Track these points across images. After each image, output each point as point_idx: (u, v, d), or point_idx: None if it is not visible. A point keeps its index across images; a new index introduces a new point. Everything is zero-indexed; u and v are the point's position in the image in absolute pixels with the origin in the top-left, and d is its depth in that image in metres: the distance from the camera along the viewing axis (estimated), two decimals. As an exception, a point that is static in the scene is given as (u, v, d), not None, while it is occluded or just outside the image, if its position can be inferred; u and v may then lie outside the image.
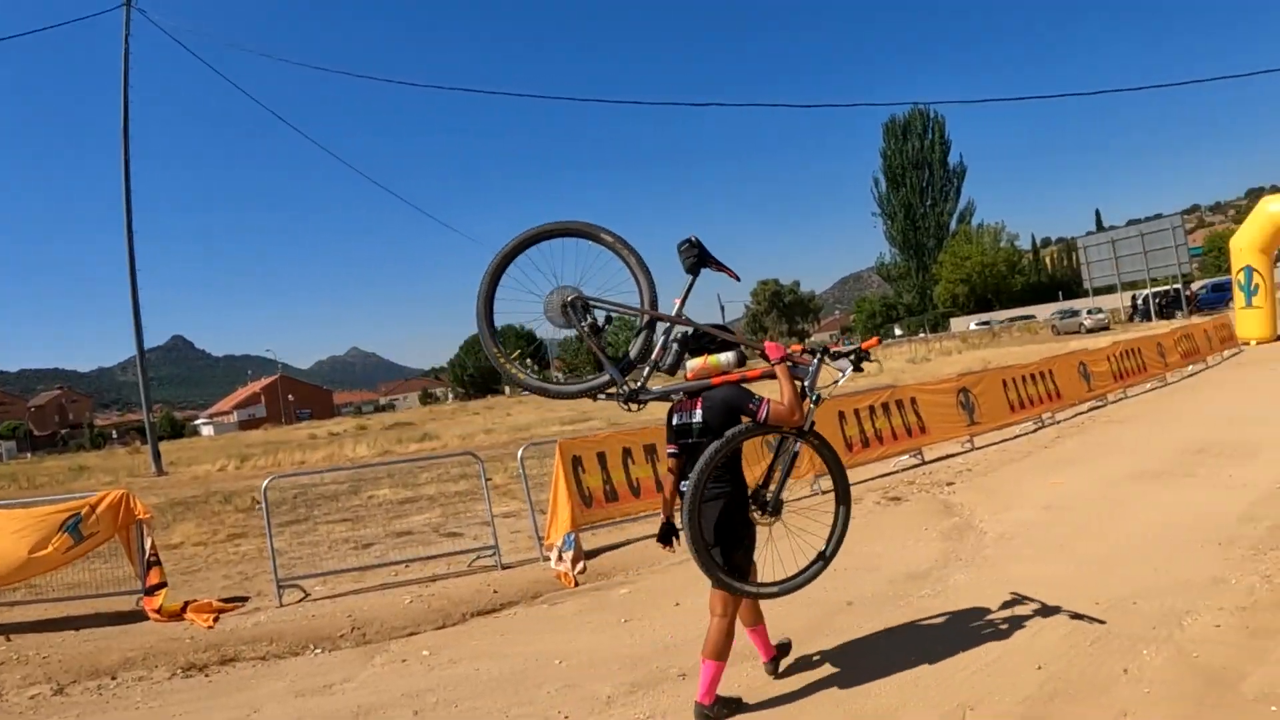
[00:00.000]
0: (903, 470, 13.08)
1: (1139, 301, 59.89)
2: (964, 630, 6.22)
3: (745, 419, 5.02)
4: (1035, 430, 15.82)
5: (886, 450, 13.28)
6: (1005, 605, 6.61)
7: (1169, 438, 13.15)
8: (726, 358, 5.24)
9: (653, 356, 5.24)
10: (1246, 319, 29.20)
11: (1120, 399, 19.00)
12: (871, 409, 13.30)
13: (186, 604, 8.87)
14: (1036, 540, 8.40)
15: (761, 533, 5.32)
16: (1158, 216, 62.77)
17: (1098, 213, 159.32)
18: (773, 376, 5.18)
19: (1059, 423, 16.41)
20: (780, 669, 5.80)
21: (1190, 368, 23.15)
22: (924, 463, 13.48)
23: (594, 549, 9.85)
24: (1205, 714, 4.58)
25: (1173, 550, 7.46)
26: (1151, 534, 8.07)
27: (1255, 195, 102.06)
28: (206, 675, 7.21)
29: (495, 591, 8.71)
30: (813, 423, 5.19)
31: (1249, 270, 28.98)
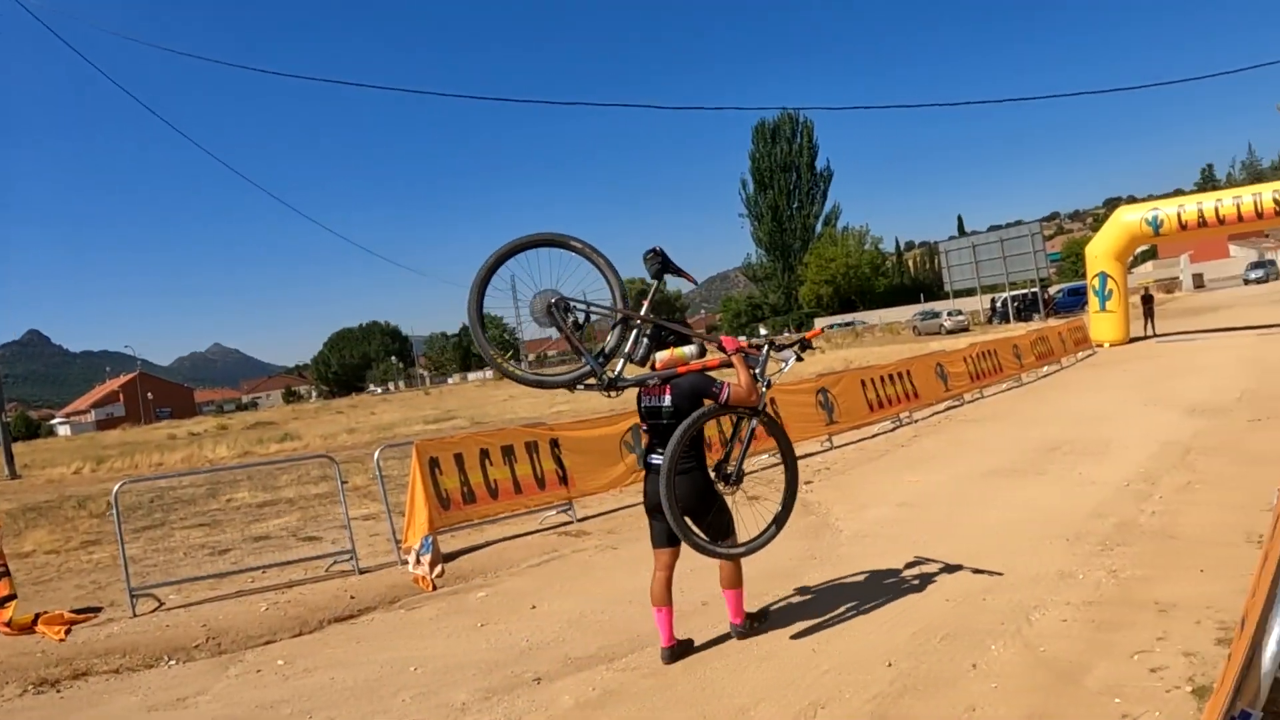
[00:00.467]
0: (762, 469, 13.14)
1: (998, 304, 62.47)
2: (816, 629, 6.26)
3: (709, 401, 5.82)
4: (893, 429, 16.22)
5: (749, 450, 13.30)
6: (858, 603, 6.69)
7: (1023, 437, 13.67)
8: (689, 350, 6.07)
9: (625, 349, 5.91)
10: (1100, 322, 30.75)
11: (977, 399, 19.69)
12: (732, 409, 13.35)
13: (38, 616, 8.39)
14: (891, 538, 8.56)
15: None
16: (1018, 223, 65.62)
17: (960, 218, 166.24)
18: (728, 365, 5.88)
19: (916, 422, 16.87)
20: (749, 635, 6.25)
21: (1045, 369, 24.21)
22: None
23: (452, 552, 9.74)
24: (1051, 707, 4.67)
25: (1023, 546, 7.70)
26: (1003, 530, 8.32)
27: (1113, 205, 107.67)
28: (58, 691, 6.89)
29: (352, 597, 8.55)
30: (764, 404, 6.01)
31: (1104, 276, 30.49)
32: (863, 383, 16.58)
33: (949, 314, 60.90)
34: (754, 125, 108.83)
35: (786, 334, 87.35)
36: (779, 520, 6.18)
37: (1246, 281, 71.51)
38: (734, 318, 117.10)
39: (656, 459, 5.80)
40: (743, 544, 6.00)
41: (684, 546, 5.81)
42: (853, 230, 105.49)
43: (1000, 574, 6.95)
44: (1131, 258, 31.32)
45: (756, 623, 6.37)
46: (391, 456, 10.77)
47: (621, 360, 5.93)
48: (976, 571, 7.10)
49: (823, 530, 9.25)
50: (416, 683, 6.18)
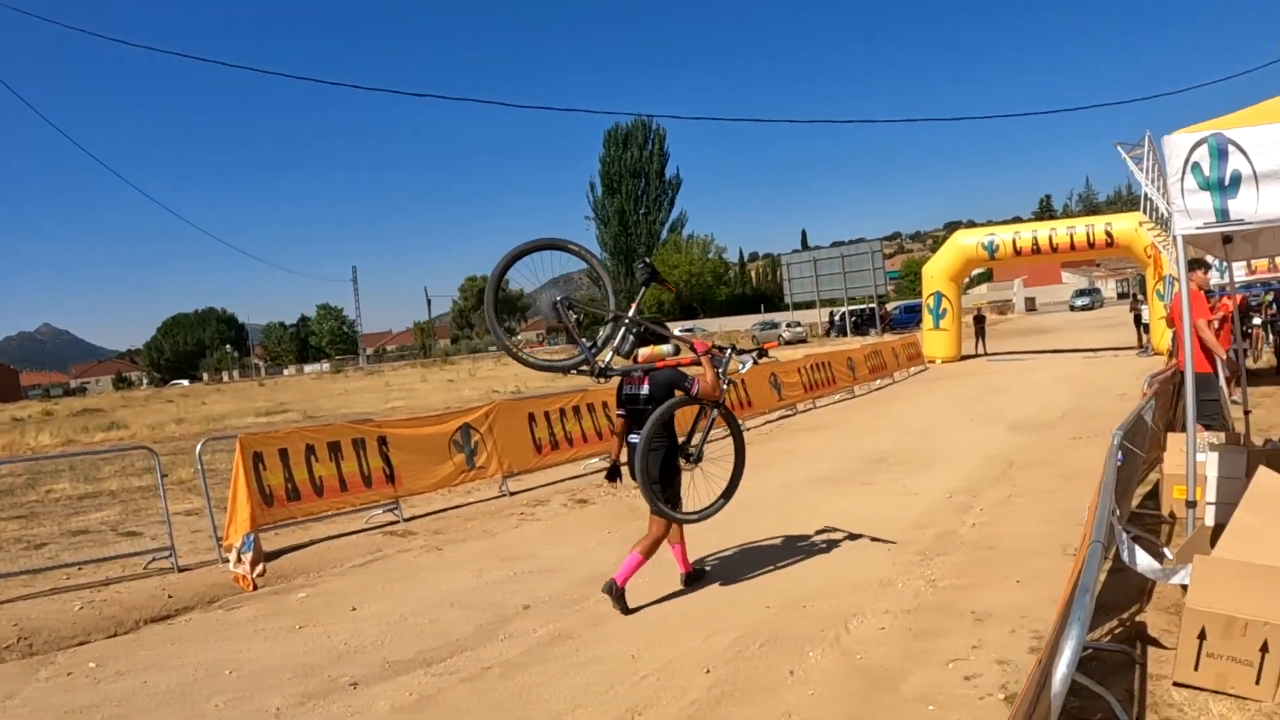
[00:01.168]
0: (593, 473, 13.17)
1: (836, 318, 64.49)
2: (636, 634, 6.24)
3: (679, 393, 6.87)
4: (724, 437, 16.33)
5: (576, 452, 13.43)
6: (679, 609, 6.72)
7: (852, 447, 14.09)
8: (667, 348, 7.12)
9: (614, 344, 6.98)
10: (933, 339, 32.22)
11: (809, 409, 20.17)
12: (562, 411, 13.37)
13: None
14: (718, 543, 8.61)
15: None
16: (861, 240, 67.86)
17: (804, 232, 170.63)
18: (697, 364, 6.97)
19: (750, 430, 17.09)
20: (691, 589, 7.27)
21: (878, 382, 25.06)
22: (615, 465, 13.61)
23: (275, 550, 9.50)
24: (866, 713, 4.73)
25: (846, 555, 7.89)
26: (827, 539, 8.51)
27: (953, 227, 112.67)
28: None
29: (170, 596, 8.24)
30: (724, 398, 7.16)
31: (939, 295, 31.94)
32: (703, 389, 16.65)
33: (788, 325, 62.67)
34: (607, 130, 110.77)
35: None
36: (726, 494, 7.36)
37: (1073, 308, 75.91)
38: (574, 321, 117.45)
39: (634, 438, 6.89)
40: (695, 511, 7.10)
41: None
42: (697, 239, 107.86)
43: (821, 581, 7.09)
44: (967, 279, 32.90)
45: (698, 575, 7.50)
46: (219, 450, 10.34)
47: (610, 352, 6.96)
48: (798, 578, 7.24)
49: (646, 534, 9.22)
50: (231, 687, 5.97)
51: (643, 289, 7.84)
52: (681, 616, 6.53)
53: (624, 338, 7.05)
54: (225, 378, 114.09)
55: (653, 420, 6.64)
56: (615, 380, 7.10)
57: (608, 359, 6.93)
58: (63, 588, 8.58)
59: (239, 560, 8.86)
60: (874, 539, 8.31)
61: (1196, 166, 5.49)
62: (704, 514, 7.13)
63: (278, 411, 31.97)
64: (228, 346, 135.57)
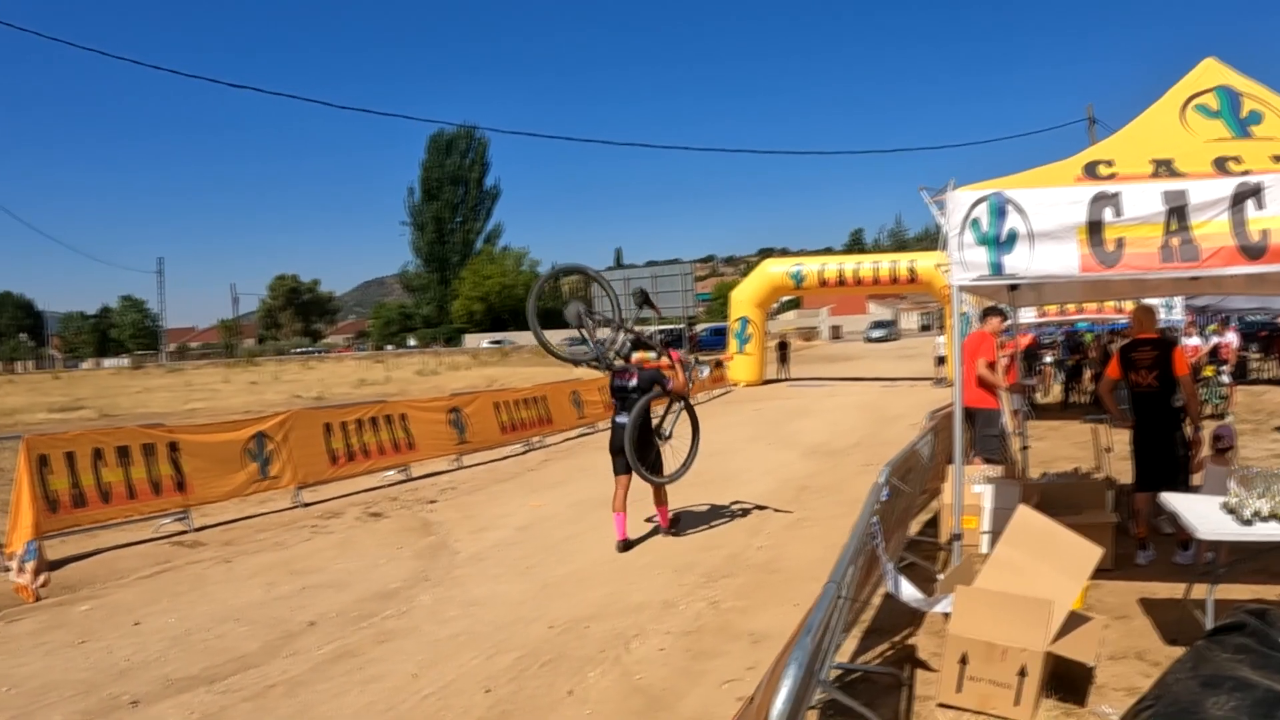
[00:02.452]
0: (389, 485, 13.03)
1: (644, 337, 65.28)
2: (420, 653, 6.19)
3: (658, 387, 9.27)
4: (524, 452, 16.45)
5: (373, 464, 13.19)
6: (466, 628, 6.69)
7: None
8: (651, 354, 10.01)
9: (617, 346, 9.59)
10: (739, 363, 33.04)
11: (609, 428, 20.17)
12: (359, 422, 13.09)
13: None
14: (506, 561, 8.66)
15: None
16: (675, 261, 69.15)
17: (619, 251, 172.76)
18: (671, 366, 9.69)
19: (548, 446, 17.18)
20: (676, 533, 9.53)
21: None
22: (410, 479, 13.54)
23: (60, 559, 9.02)
24: (641, 733, 4.78)
25: (630, 575, 8.00)
26: (615, 558, 8.64)
27: (766, 254, 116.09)
28: None
29: None
30: (689, 393, 10.01)
31: (744, 320, 32.93)
32: (496, 405, 16.73)
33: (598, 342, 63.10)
34: (430, 135, 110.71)
35: (436, 347, 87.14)
36: (686, 464, 9.76)
37: (868, 339, 79.12)
38: (384, 325, 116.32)
39: (621, 419, 9.17)
40: (666, 475, 9.52)
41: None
42: (511, 250, 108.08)
43: (604, 602, 7.17)
44: (776, 305, 34.03)
45: (674, 526, 9.67)
46: (4, 449, 9.68)
47: (613, 352, 9.51)
48: (582, 598, 7.29)
49: (440, 551, 9.23)
50: (8, 705, 5.67)
51: (636, 309, 10.45)
52: (466, 635, 6.49)
53: (623, 343, 9.68)
54: (19, 368, 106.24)
55: (638, 407, 9.04)
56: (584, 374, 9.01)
57: (611, 357, 9.46)
58: None
59: (20, 569, 8.40)
60: (661, 559, 8.48)
61: (975, 222, 5.91)
62: (673, 477, 9.59)
63: (73, 408, 30.11)
64: (23, 335, 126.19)
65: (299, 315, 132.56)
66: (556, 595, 7.43)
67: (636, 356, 9.77)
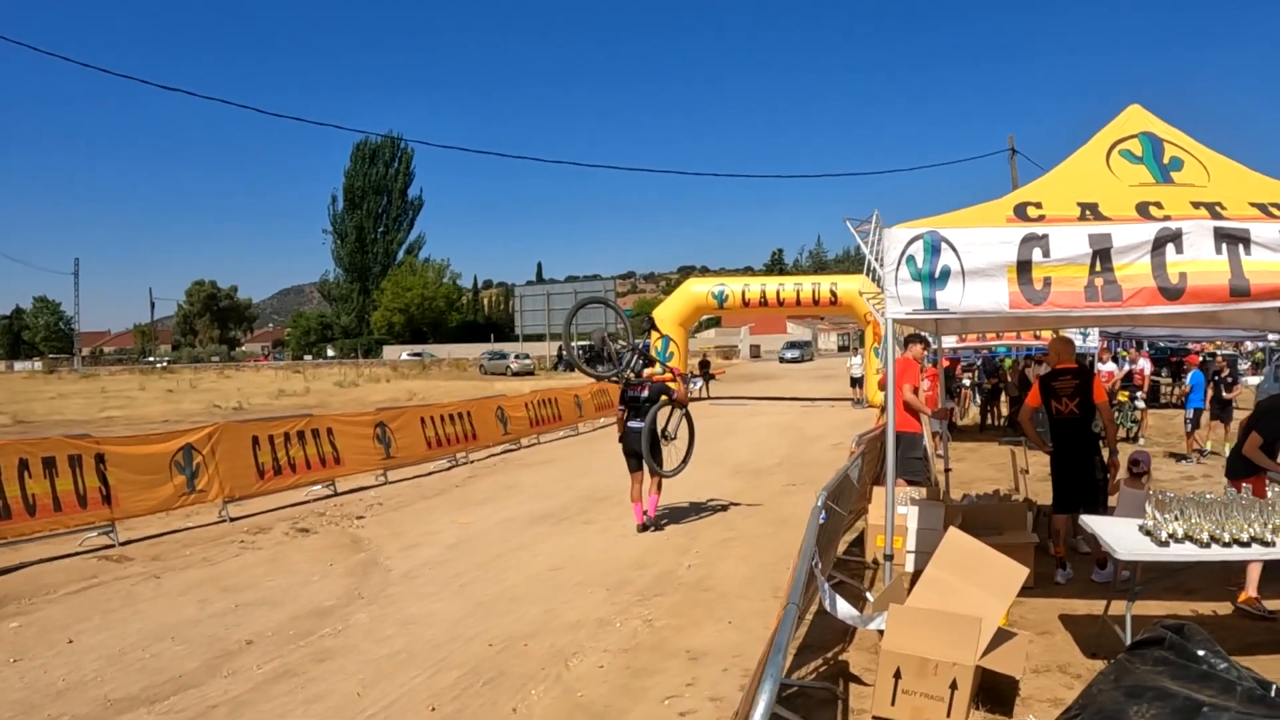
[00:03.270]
0: (315, 500, 12.94)
1: (564, 353, 65.39)
2: (361, 671, 6.21)
3: (665, 397, 11.15)
4: (449, 468, 16.45)
5: (300, 479, 13.11)
6: (405, 646, 6.72)
7: (574, 484, 14.47)
8: (658, 369, 11.70)
9: (630, 363, 11.16)
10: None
11: (534, 444, 20.45)
12: (287, 436, 12.99)
13: None
14: (439, 579, 8.69)
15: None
16: (596, 277, 69.29)
17: (540, 265, 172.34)
18: (674, 379, 11.64)
19: (473, 463, 17.22)
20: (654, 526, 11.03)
21: (603, 420, 25.58)
22: (337, 494, 13.48)
23: None
24: (583, 751, 4.91)
25: (565, 593, 8.11)
26: (547, 576, 8.73)
27: (687, 272, 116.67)
28: None
29: None
30: (688, 403, 11.88)
31: (666, 339, 32.96)
32: (423, 420, 16.70)
33: (516, 356, 63.07)
34: (355, 144, 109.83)
35: (355, 357, 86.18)
36: (685, 459, 11.55)
37: (782, 359, 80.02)
38: (303, 334, 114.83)
39: (635, 424, 10.87)
40: (670, 470, 11.26)
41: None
42: (433, 262, 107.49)
43: (541, 619, 7.28)
44: (696, 324, 34.49)
45: (660, 522, 11.28)
46: None
47: (628, 369, 11.14)
48: (519, 616, 7.39)
49: (371, 568, 9.20)
50: None
51: (645, 335, 12.65)
52: (405, 654, 6.53)
53: (635, 361, 11.22)
54: None
55: (652, 413, 10.82)
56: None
57: (625, 371, 11.12)
58: None
59: None
60: (593, 578, 8.59)
61: (911, 259, 6.19)
62: (676, 471, 11.38)
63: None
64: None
65: (216, 322, 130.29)
66: (492, 613, 7.50)
67: (647, 371, 11.35)
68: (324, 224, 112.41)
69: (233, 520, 11.45)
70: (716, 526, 11.07)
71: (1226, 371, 17.06)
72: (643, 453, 10.67)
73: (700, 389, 36.81)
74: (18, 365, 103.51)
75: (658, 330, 13.27)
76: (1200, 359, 20.26)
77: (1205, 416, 16.54)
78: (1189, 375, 18.21)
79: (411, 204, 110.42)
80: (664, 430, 11.28)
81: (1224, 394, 16.58)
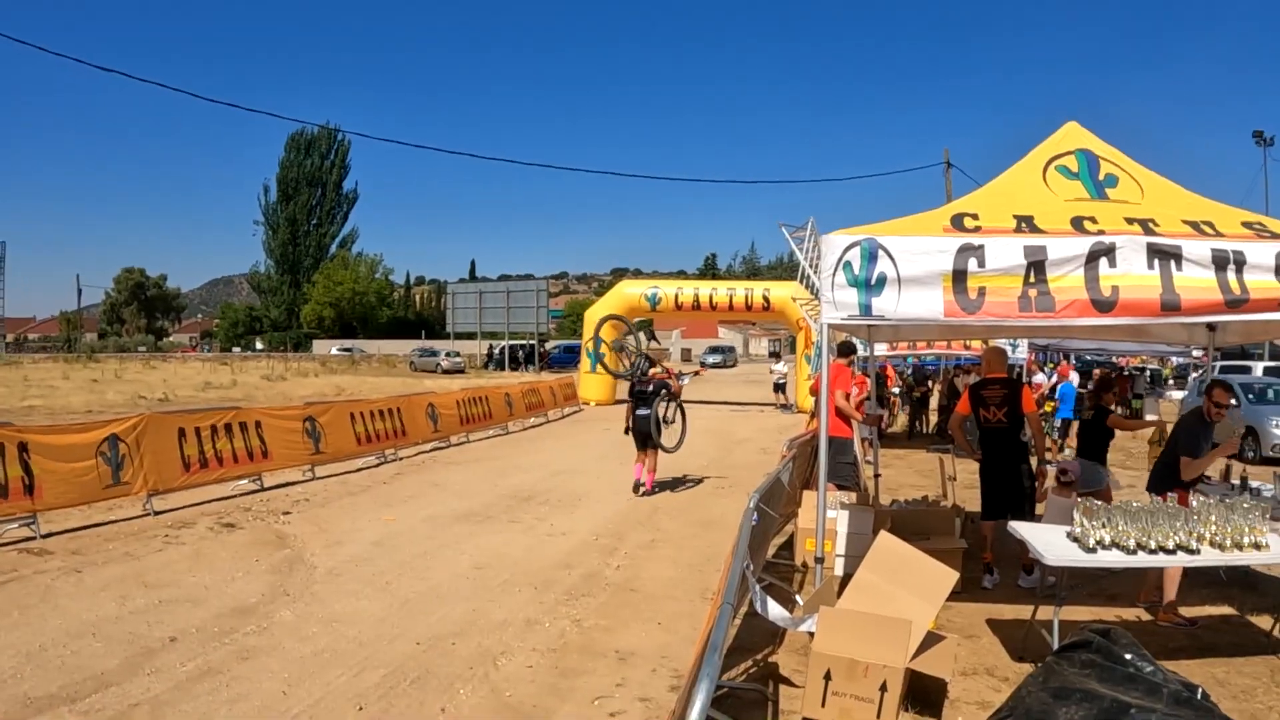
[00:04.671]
0: (241, 495, 12.63)
1: (495, 351, 65.15)
2: (285, 670, 6.09)
3: (665, 391, 13.78)
4: (378, 465, 16.22)
5: (226, 472, 12.77)
6: (329, 644, 6.61)
7: (501, 483, 14.38)
8: (659, 369, 14.20)
9: (639, 366, 14.09)
10: (590, 382, 33.34)
11: (463, 442, 20.27)
12: (214, 429, 12.67)
13: None
14: (364, 577, 8.56)
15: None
16: (529, 277, 69.27)
17: (473, 263, 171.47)
18: (671, 377, 14.26)
19: (401, 460, 17.00)
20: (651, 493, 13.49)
21: (533, 419, 25.53)
22: (263, 489, 13.17)
23: None
24: (511, 751, 4.87)
25: (491, 592, 8.05)
26: (473, 575, 8.66)
27: (619, 274, 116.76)
28: None
29: None
30: (680, 395, 14.56)
31: (599, 340, 32.90)
32: (352, 415, 16.45)
33: (447, 354, 62.45)
34: (291, 134, 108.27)
35: (284, 351, 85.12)
36: (680, 440, 14.38)
37: (703, 365, 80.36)
38: (231, 326, 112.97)
39: (643, 411, 13.40)
40: (671, 446, 14.00)
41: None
42: (366, 257, 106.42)
43: (468, 619, 7.21)
44: (635, 323, 34.83)
45: (653, 490, 13.65)
46: None
47: (637, 370, 14.00)
48: (445, 615, 7.31)
49: (297, 565, 9.01)
50: None
51: (645, 340, 15.72)
52: (330, 652, 6.41)
53: (643, 364, 14.05)
54: None
55: (654, 403, 13.47)
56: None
57: (637, 374, 13.89)
58: None
59: None
60: (520, 578, 8.53)
61: (848, 265, 6.27)
62: (675, 448, 14.19)
63: None
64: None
65: (143, 311, 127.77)
66: (418, 611, 7.41)
67: (654, 371, 13.99)
68: (256, 215, 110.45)
69: (157, 514, 11.12)
70: (643, 528, 11.05)
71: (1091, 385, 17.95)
72: (650, 433, 13.37)
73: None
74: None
75: (654, 338, 17.23)
76: (1071, 370, 20.93)
77: (1074, 426, 17.04)
78: (1059, 387, 18.94)
79: (346, 197, 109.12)
80: (663, 416, 13.77)
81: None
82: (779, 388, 32.71)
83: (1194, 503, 6.13)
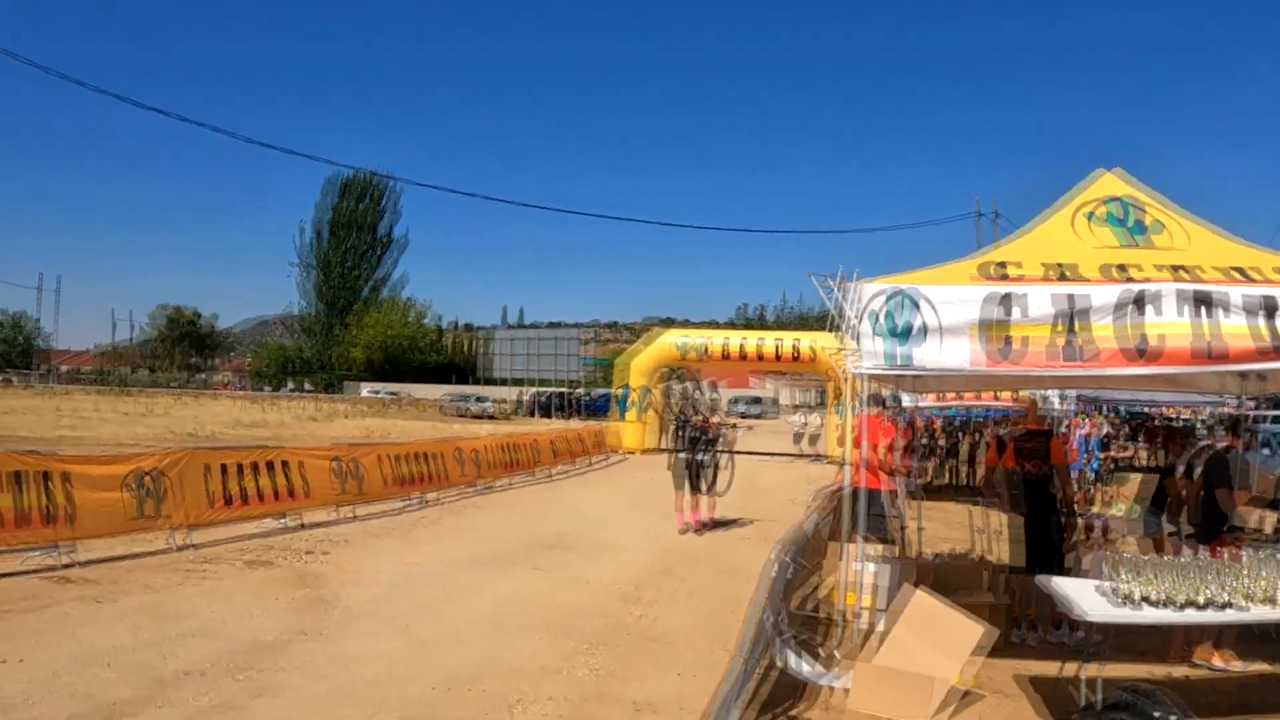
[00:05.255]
0: (272, 534, 12.57)
1: (529, 397, 65.28)
2: (297, 710, 6.00)
3: (718, 437, 14.93)
4: (409, 509, 16.08)
5: (258, 510, 12.71)
6: (344, 684, 6.51)
7: (528, 529, 14.22)
8: (719, 417, 15.56)
9: (687, 410, 15.22)
10: (623, 430, 33.29)
11: (497, 488, 20.11)
12: (241, 466, 12.55)
13: None
14: (383, 617, 8.46)
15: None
16: (562, 324, 69.59)
17: (505, 309, 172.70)
18: (723, 425, 15.50)
19: (430, 504, 16.87)
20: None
21: (567, 466, 25.34)
22: (293, 528, 13.09)
23: None
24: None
25: (509, 638, 7.90)
26: (491, 620, 8.50)
27: (651, 321, 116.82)
28: None
29: None
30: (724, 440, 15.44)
31: (626, 388, 33.24)
32: (390, 458, 16.41)
33: (478, 400, 62.69)
34: (328, 176, 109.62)
35: (321, 392, 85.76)
36: (729, 483, 15.06)
37: (740, 415, 79.12)
38: (268, 365, 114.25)
39: (697, 456, 14.33)
40: (721, 490, 14.79)
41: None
42: (404, 301, 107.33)
43: (485, 664, 7.07)
44: (665, 372, 34.93)
45: (704, 528, 14.47)
46: None
47: (687, 417, 14.81)
48: (462, 659, 7.19)
49: (317, 604, 8.93)
50: None
51: (709, 389, 16.74)
52: (344, 692, 6.30)
53: (703, 410, 14.91)
54: None
55: (706, 446, 14.41)
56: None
57: (694, 421, 14.56)
58: None
59: None
60: (539, 624, 8.38)
61: (878, 314, 6.18)
62: (724, 491, 14.96)
63: None
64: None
65: (180, 347, 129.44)
66: (434, 654, 7.29)
67: (712, 419, 14.83)
68: (292, 256, 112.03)
69: (184, 549, 11.09)
70: (666, 576, 10.87)
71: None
72: (702, 476, 14.32)
73: (661, 439, 36.74)
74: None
75: (715, 390, 17.49)
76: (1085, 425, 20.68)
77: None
78: (1075, 439, 18.76)
79: (383, 241, 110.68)
80: (719, 463, 14.72)
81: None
82: (798, 438, 32.62)
83: (1245, 556, 5.91)
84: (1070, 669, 6.00)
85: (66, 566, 9.70)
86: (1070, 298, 5.75)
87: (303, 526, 13.31)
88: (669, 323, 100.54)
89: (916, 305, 6.03)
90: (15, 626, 7.68)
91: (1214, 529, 7.38)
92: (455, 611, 8.79)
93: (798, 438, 32.60)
